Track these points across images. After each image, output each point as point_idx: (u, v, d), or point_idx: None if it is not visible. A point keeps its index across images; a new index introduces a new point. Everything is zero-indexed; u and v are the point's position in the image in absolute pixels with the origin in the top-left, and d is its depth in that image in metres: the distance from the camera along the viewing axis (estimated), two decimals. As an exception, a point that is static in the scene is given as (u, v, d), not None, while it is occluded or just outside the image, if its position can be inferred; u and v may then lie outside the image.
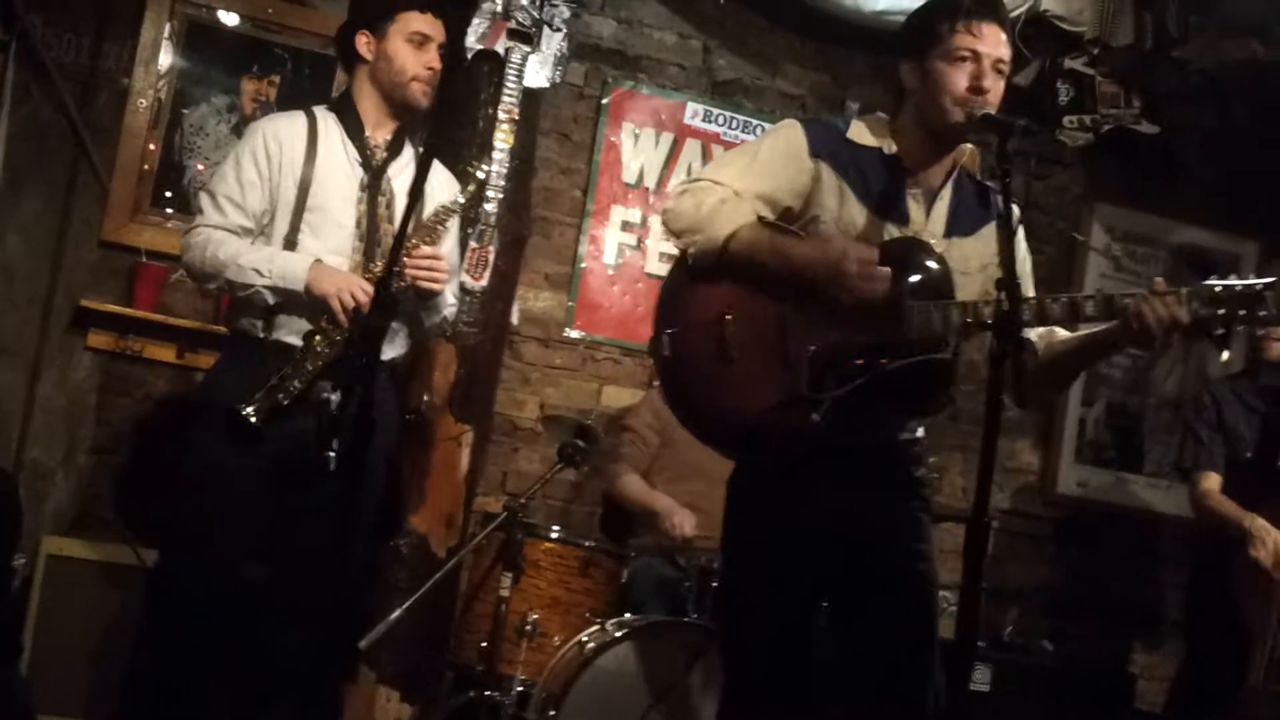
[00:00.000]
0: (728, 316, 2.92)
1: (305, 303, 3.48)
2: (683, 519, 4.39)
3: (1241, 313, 2.69)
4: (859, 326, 2.83)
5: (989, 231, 3.04)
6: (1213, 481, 4.63)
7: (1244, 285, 2.68)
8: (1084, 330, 2.94)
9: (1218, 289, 2.70)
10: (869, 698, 2.99)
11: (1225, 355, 2.77)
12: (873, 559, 3.00)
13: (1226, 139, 5.92)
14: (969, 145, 3.04)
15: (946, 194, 3.03)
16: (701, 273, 2.95)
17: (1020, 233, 3.01)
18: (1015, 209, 2.88)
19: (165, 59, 4.82)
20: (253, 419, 3.39)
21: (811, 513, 2.95)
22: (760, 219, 2.92)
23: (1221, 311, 2.71)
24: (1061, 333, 2.99)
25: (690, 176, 3.19)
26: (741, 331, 2.92)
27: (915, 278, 2.86)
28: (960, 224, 3.03)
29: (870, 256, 2.80)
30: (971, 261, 3.02)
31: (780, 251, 2.86)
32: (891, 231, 2.95)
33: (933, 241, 2.97)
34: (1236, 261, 6.04)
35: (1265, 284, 2.67)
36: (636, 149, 5.43)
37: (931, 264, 2.89)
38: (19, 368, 4.63)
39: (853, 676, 3.01)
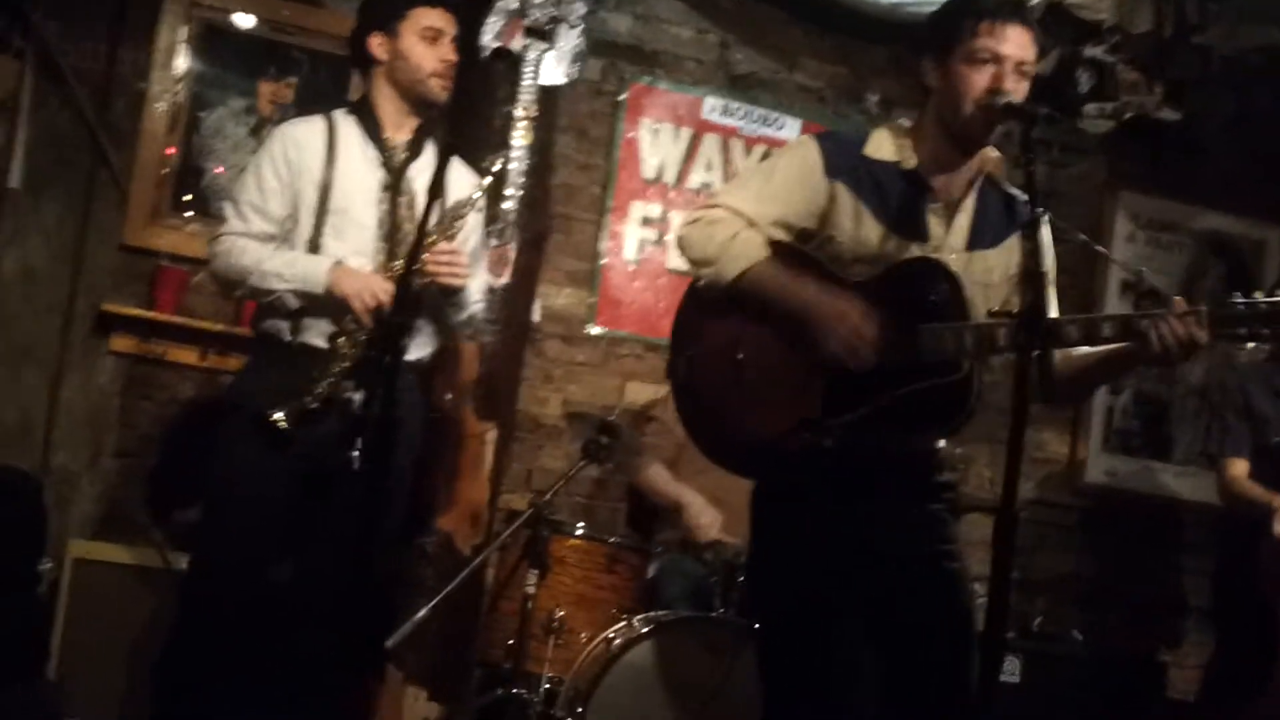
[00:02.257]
0: (741, 340, 2.93)
1: (329, 305, 3.49)
2: (710, 520, 4.38)
3: (1265, 330, 2.66)
4: (872, 324, 2.81)
5: (1013, 242, 3.01)
6: (1239, 468, 4.61)
7: (1268, 303, 2.64)
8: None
9: (1240, 307, 2.66)
10: (914, 702, 2.97)
11: (1250, 344, 2.74)
12: (901, 565, 2.97)
13: (1249, 124, 5.88)
14: (994, 153, 3.01)
15: (969, 205, 2.99)
16: (713, 300, 2.95)
17: (1048, 237, 2.99)
18: (1040, 211, 2.88)
19: (181, 63, 4.82)
20: (282, 424, 3.40)
21: (832, 527, 2.93)
22: (774, 242, 2.91)
23: (1244, 330, 2.69)
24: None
25: (706, 199, 3.18)
26: (754, 356, 2.92)
27: (928, 299, 2.84)
28: (983, 236, 3.00)
29: (864, 327, 2.78)
30: (994, 273, 3.00)
31: (787, 295, 2.85)
32: (910, 249, 2.92)
33: (953, 256, 2.94)
34: (1261, 247, 6.03)
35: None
36: (655, 144, 5.41)
37: (945, 285, 2.85)
38: (42, 372, 4.64)
39: (895, 684, 2.98)
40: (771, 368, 2.90)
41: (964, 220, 2.98)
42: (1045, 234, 2.98)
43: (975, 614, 3.01)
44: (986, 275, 2.97)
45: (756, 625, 3.23)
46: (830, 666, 2.95)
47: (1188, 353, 2.70)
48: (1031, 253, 2.59)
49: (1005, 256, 3.01)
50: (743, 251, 2.87)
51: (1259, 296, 2.65)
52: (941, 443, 3.07)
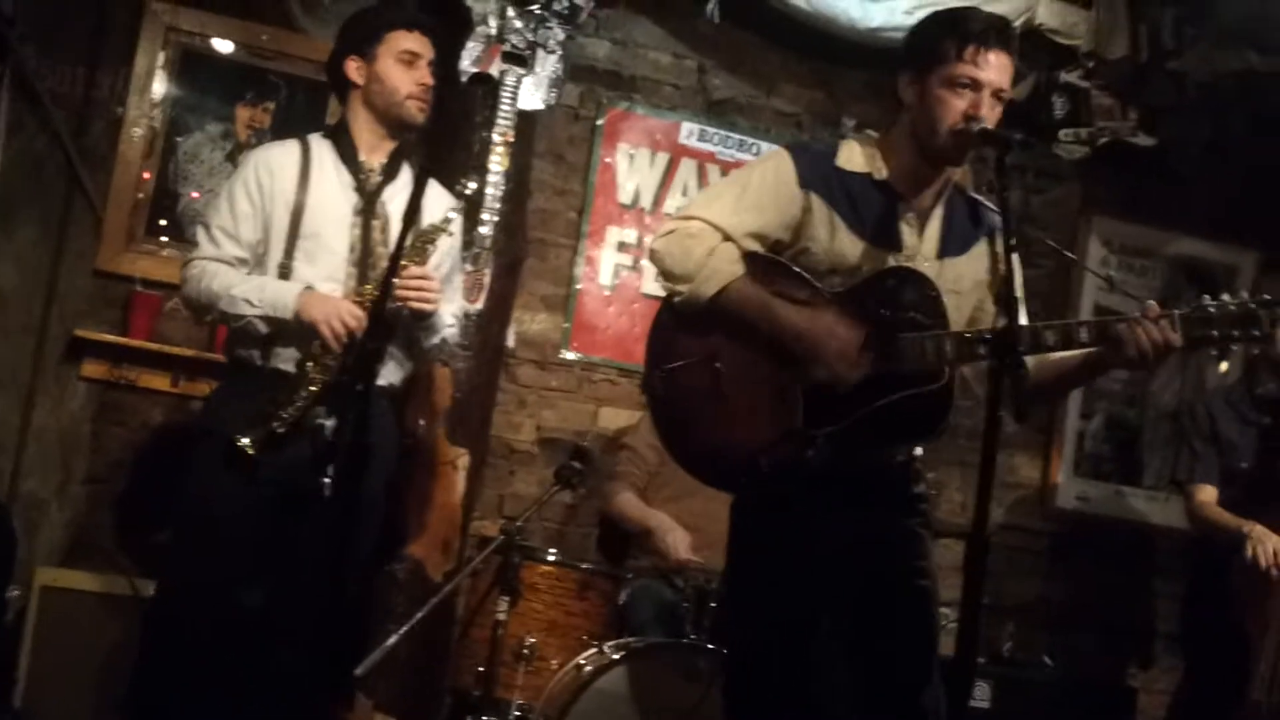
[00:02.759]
0: (719, 354, 2.95)
1: (298, 331, 3.48)
2: (678, 540, 4.37)
3: (1235, 332, 2.68)
4: (853, 342, 2.84)
5: (981, 249, 3.06)
6: (1208, 494, 4.62)
7: (1237, 304, 2.67)
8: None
9: (1211, 309, 2.69)
10: (874, 716, 2.98)
11: (1224, 366, 2.75)
12: (874, 579, 3.00)
13: (1224, 150, 5.90)
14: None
15: (939, 213, 3.02)
16: (689, 315, 2.96)
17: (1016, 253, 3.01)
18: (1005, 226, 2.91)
19: (159, 88, 4.83)
20: (250, 450, 3.38)
21: (812, 539, 2.96)
22: (750, 253, 2.92)
23: (1215, 333, 2.71)
24: None
25: (679, 211, 3.19)
26: (733, 369, 2.95)
27: (907, 309, 2.86)
28: (953, 243, 3.03)
29: (850, 347, 2.80)
30: (964, 280, 3.03)
31: (767, 315, 2.88)
32: (885, 259, 2.95)
33: (926, 264, 2.97)
34: (1235, 273, 6.04)
35: (1259, 301, 2.66)
36: (632, 169, 5.42)
37: (923, 294, 2.88)
38: (13, 397, 4.63)
39: (858, 696, 3.00)
40: (750, 380, 2.93)
41: (935, 229, 3.01)
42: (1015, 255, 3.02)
43: (939, 634, 3.03)
44: (958, 282, 3.01)
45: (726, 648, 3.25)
46: (805, 678, 2.97)
47: (1161, 357, 2.72)
48: (1007, 277, 2.61)
49: (974, 263, 3.05)
50: (720, 268, 2.89)
51: (1228, 299, 2.67)
52: (918, 451, 3.09)
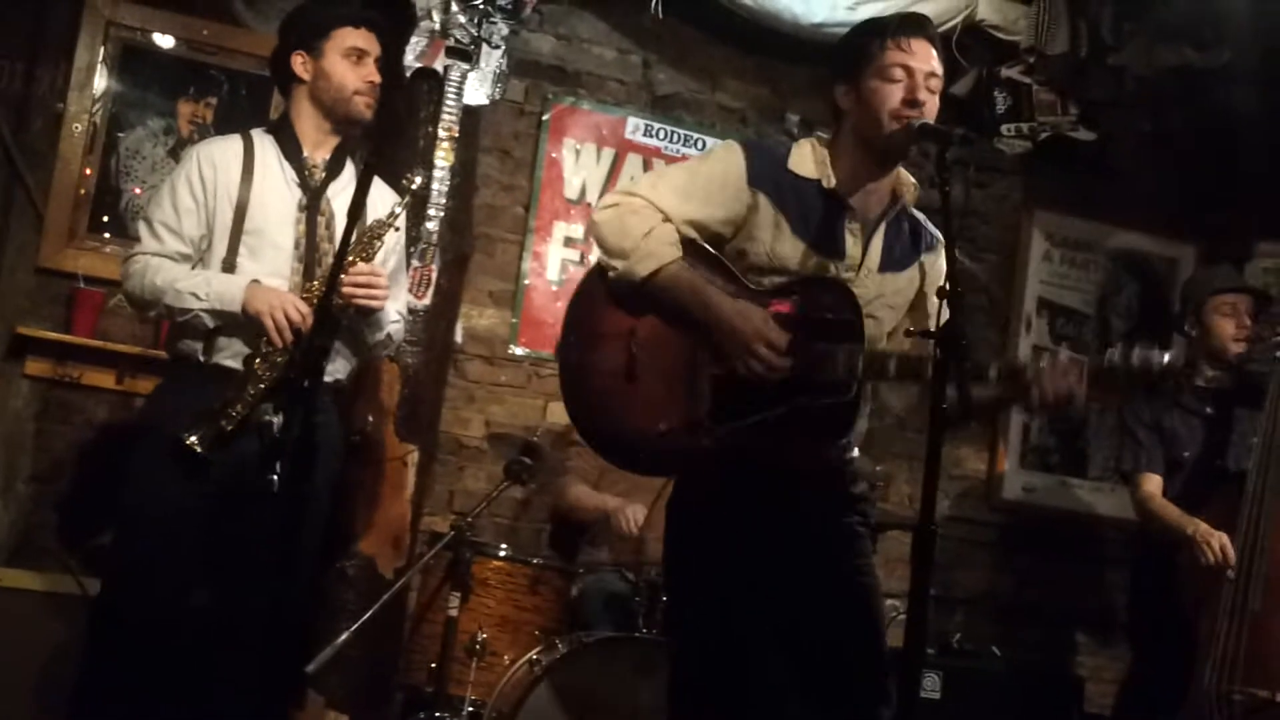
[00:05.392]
0: (637, 333, 2.95)
1: (244, 325, 3.46)
2: (634, 511, 4.37)
3: (1142, 385, 2.74)
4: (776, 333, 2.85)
5: (914, 269, 3.09)
6: (1153, 484, 4.64)
7: (1140, 362, 2.69)
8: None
9: (1116, 367, 2.70)
10: (822, 715, 3.00)
11: (1166, 358, 2.78)
12: (814, 578, 3.01)
13: (1163, 144, 5.99)
14: (910, 180, 3.07)
15: (882, 228, 3.04)
16: (616, 291, 2.96)
17: (941, 261, 3.05)
18: (940, 237, 2.96)
19: (100, 83, 4.77)
20: (198, 448, 3.36)
21: (749, 536, 2.96)
22: (686, 242, 2.92)
23: (1121, 384, 2.77)
24: None
25: (624, 187, 3.18)
26: (649, 350, 2.94)
27: (827, 319, 2.88)
28: (892, 261, 3.05)
29: (779, 346, 2.82)
30: (899, 296, 3.06)
31: (701, 302, 2.88)
32: (827, 267, 2.96)
33: (867, 276, 2.99)
34: (1175, 266, 6.12)
35: (1162, 365, 2.69)
36: (578, 165, 5.42)
37: (846, 308, 2.89)
38: (-45, 396, 4.57)
39: (804, 696, 3.02)
40: (664, 363, 2.93)
41: (878, 243, 3.02)
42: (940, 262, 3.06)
43: (885, 630, 3.05)
44: (895, 297, 3.04)
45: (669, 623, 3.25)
46: (746, 675, 2.98)
47: (1067, 406, 2.75)
48: (950, 274, 2.63)
49: (908, 282, 3.08)
50: (656, 249, 2.89)
51: (1136, 352, 2.69)
52: (855, 453, 3.11)
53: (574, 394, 3.06)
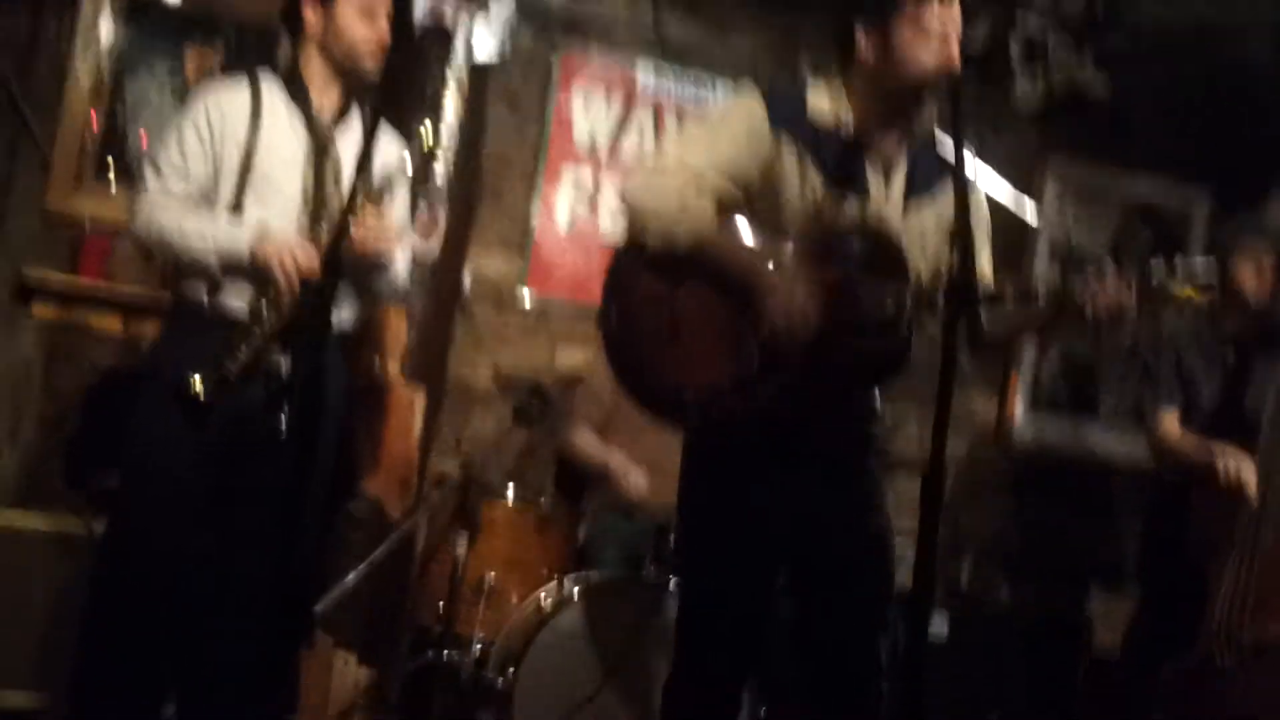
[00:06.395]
0: (678, 295, 2.93)
1: (250, 270, 3.44)
2: (637, 478, 4.38)
3: (1187, 293, 2.73)
4: (816, 301, 2.84)
5: (946, 188, 3.05)
6: (1171, 420, 4.63)
7: (1185, 269, 2.72)
8: None
9: (1161, 275, 2.73)
10: (825, 656, 3.02)
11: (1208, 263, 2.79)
12: (827, 519, 3.01)
13: (1177, 96, 5.94)
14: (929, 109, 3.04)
15: (903, 161, 3.03)
16: (652, 255, 2.94)
17: (981, 193, 3.04)
18: (969, 169, 2.92)
19: (106, 28, 4.74)
20: (201, 394, 3.35)
21: (765, 478, 2.97)
22: (723, 205, 2.91)
23: (1169, 293, 2.76)
24: None
25: (653, 150, 3.16)
26: (691, 311, 2.93)
27: (869, 260, 2.87)
28: (918, 187, 3.03)
29: (809, 304, 2.81)
30: (928, 226, 3.03)
31: (740, 264, 2.88)
32: (852, 206, 2.95)
33: (893, 211, 2.98)
34: (1188, 217, 6.09)
35: (1205, 269, 2.71)
36: (587, 113, 5.39)
37: (887, 244, 2.89)
38: (-39, 341, 4.57)
39: (809, 636, 3.03)
40: (708, 323, 2.92)
41: (900, 177, 3.01)
42: (978, 195, 3.04)
43: (895, 572, 3.05)
44: (922, 230, 3.01)
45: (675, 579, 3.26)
46: (747, 615, 2.99)
47: (1115, 320, 2.76)
48: (961, 215, 2.61)
49: (940, 206, 3.04)
50: (693, 211, 2.87)
51: (1188, 260, 2.72)
52: (876, 397, 3.11)
53: (619, 361, 3.04)
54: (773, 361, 2.85)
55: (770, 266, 2.87)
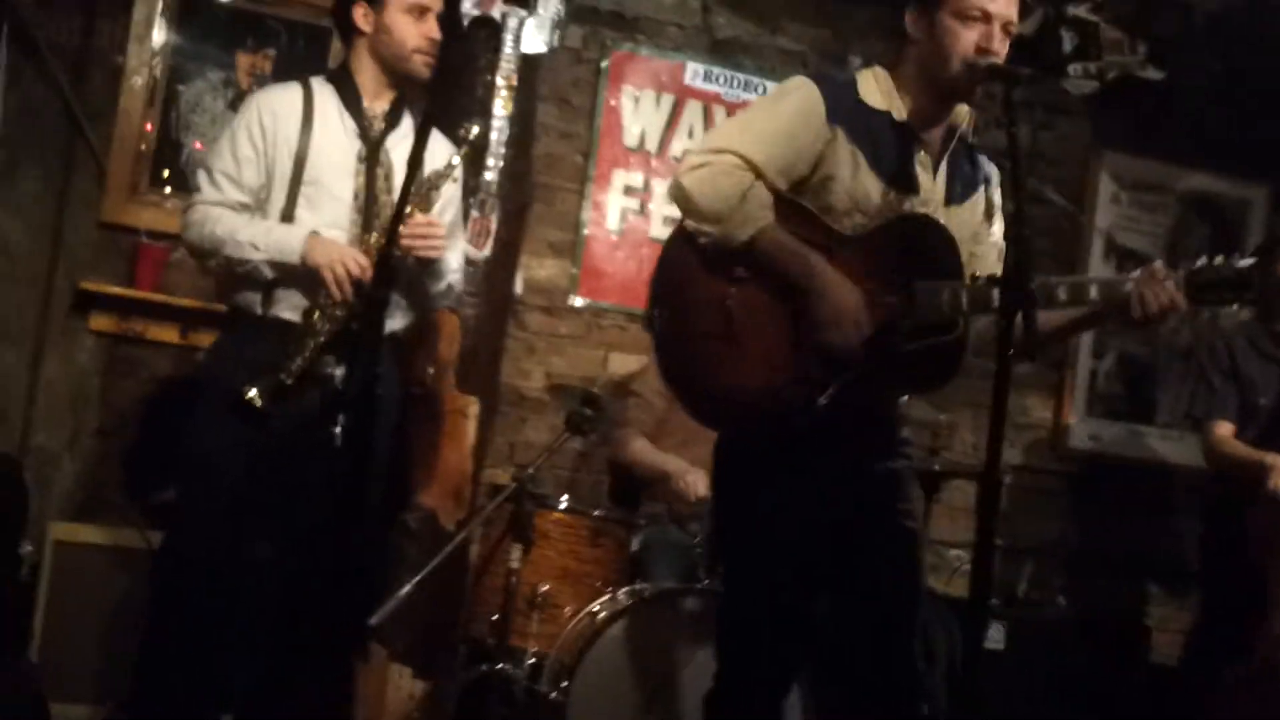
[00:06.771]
0: (732, 296, 2.90)
1: (303, 277, 3.45)
2: (696, 478, 4.35)
3: (1243, 294, 2.71)
4: (871, 308, 2.82)
5: (978, 197, 3.06)
6: (1226, 429, 4.58)
7: (1237, 268, 2.69)
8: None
9: (1215, 272, 2.71)
10: (858, 656, 2.99)
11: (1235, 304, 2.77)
12: (858, 520, 2.98)
13: (1232, 83, 5.85)
14: (966, 107, 3.00)
15: (946, 159, 3.00)
16: (706, 255, 2.91)
17: (997, 195, 3.02)
18: (996, 170, 2.93)
19: (159, 35, 4.77)
20: (257, 402, 3.36)
21: (797, 479, 2.94)
22: (780, 201, 2.88)
23: (1220, 295, 2.75)
24: None
25: (705, 143, 3.11)
26: (748, 310, 2.89)
27: (926, 258, 2.84)
28: (957, 192, 3.02)
29: (865, 329, 2.79)
30: (964, 229, 3.01)
31: (804, 269, 2.84)
32: (902, 202, 2.92)
33: (938, 210, 2.95)
34: (1246, 207, 6.02)
35: (1250, 264, 2.69)
36: (637, 112, 5.37)
37: (942, 243, 2.87)
38: (21, 352, 4.60)
39: (842, 636, 3.01)
40: (765, 325, 2.89)
41: (944, 174, 2.99)
42: (997, 195, 3.02)
43: (924, 573, 3.05)
44: (961, 230, 2.98)
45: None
46: (785, 616, 2.98)
47: (1164, 318, 2.73)
48: (1018, 215, 2.58)
49: (972, 211, 3.04)
50: (754, 212, 2.85)
51: (1233, 261, 2.69)
52: (903, 399, 3.09)
53: (669, 363, 3.01)
54: (831, 364, 2.83)
55: (826, 266, 2.83)
